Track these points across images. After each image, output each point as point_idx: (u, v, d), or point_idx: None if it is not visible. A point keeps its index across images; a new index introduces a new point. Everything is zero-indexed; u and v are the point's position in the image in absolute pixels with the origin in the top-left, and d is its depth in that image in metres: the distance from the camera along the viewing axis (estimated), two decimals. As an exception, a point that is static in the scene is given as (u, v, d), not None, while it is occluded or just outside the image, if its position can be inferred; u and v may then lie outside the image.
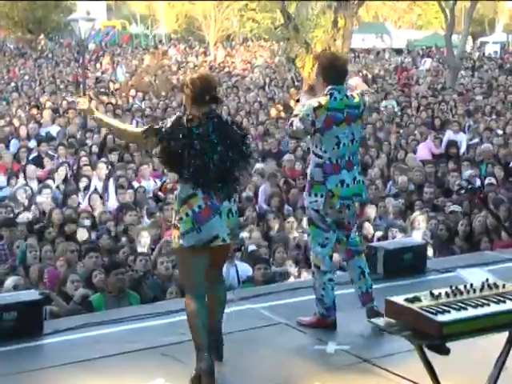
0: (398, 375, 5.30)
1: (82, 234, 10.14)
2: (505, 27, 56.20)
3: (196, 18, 48.33)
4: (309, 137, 6.11)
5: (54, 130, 17.39)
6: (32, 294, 6.52)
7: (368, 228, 10.34)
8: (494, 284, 4.25)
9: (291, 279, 8.83)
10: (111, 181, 12.72)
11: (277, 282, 8.49)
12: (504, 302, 4.09)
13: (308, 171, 6.21)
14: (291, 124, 6.05)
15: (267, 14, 25.34)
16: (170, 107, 20.53)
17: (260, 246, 9.75)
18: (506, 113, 19.42)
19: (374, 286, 6.28)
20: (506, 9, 56.37)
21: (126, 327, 6.33)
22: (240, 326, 6.19)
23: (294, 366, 5.58)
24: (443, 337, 3.86)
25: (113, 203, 12.16)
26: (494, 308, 4.03)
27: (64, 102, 21.30)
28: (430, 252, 9.06)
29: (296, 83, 25.88)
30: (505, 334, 4.16)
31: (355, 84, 7.30)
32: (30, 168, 13.46)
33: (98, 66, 34.57)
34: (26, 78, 30.32)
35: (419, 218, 10.33)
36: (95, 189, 12.48)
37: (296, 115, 6.04)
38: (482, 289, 4.21)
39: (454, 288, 4.15)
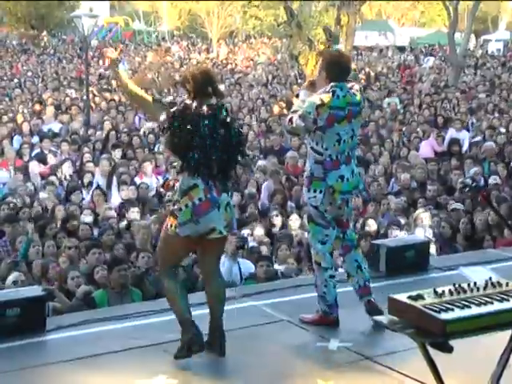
0: (401, 373, 5.30)
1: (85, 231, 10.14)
2: (508, 25, 56.21)
3: (199, 14, 48.36)
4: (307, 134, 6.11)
5: (56, 126, 17.41)
6: (35, 290, 6.52)
7: (371, 225, 10.32)
8: (498, 282, 4.25)
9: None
10: (114, 177, 12.72)
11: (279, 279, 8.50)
12: (507, 300, 4.08)
13: (307, 167, 6.19)
14: (290, 120, 6.02)
15: (270, 11, 25.37)
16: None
17: (262, 243, 9.75)
18: (509, 111, 19.41)
19: (376, 284, 6.30)
20: (509, 7, 56.31)
21: (129, 324, 6.34)
22: (242, 322, 6.20)
23: (296, 363, 5.59)
24: (446, 335, 3.85)
25: (116, 200, 12.17)
26: (497, 306, 4.03)
27: (67, 99, 21.33)
28: (433, 250, 9.07)
29: (299, 80, 25.86)
30: (508, 332, 4.16)
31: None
32: (33, 164, 13.47)
33: (100, 62, 34.58)
34: (29, 74, 30.36)
35: (422, 216, 10.31)
36: (98, 185, 12.48)
37: (295, 111, 6.01)
38: (485, 287, 4.21)
39: (457, 286, 4.15)
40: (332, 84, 5.98)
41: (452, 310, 3.94)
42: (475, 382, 4.80)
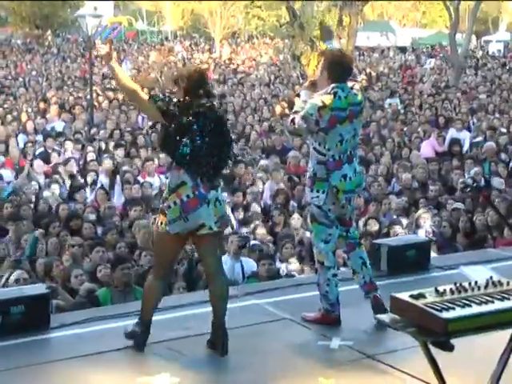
0: (402, 371, 5.32)
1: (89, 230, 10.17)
2: (508, 26, 56.21)
3: (202, 15, 48.32)
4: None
5: (59, 125, 17.44)
6: (39, 288, 6.55)
7: (372, 225, 10.35)
8: (499, 281, 4.27)
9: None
10: (117, 176, 12.74)
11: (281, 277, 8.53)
12: (508, 299, 4.10)
13: (309, 167, 6.20)
14: (292, 121, 6.01)
15: (273, 12, 25.36)
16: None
17: (264, 242, 9.78)
18: (510, 111, 19.43)
19: (377, 283, 6.31)
20: (509, 8, 56.27)
21: (132, 322, 6.35)
22: (244, 321, 6.22)
23: (298, 362, 5.60)
24: (448, 333, 3.86)
25: (119, 198, 12.19)
26: (498, 305, 4.05)
27: (71, 98, 21.37)
28: (434, 249, 9.09)
29: (301, 80, 25.85)
30: (508, 331, 4.18)
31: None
32: (37, 163, 13.50)
33: (103, 62, 34.54)
34: (34, 73, 30.39)
35: (424, 216, 10.34)
36: (101, 184, 12.51)
37: (296, 112, 6.02)
38: (486, 286, 4.22)
39: (458, 285, 4.17)
40: (333, 85, 5.97)
41: (453, 308, 3.95)
42: (476, 380, 4.83)
